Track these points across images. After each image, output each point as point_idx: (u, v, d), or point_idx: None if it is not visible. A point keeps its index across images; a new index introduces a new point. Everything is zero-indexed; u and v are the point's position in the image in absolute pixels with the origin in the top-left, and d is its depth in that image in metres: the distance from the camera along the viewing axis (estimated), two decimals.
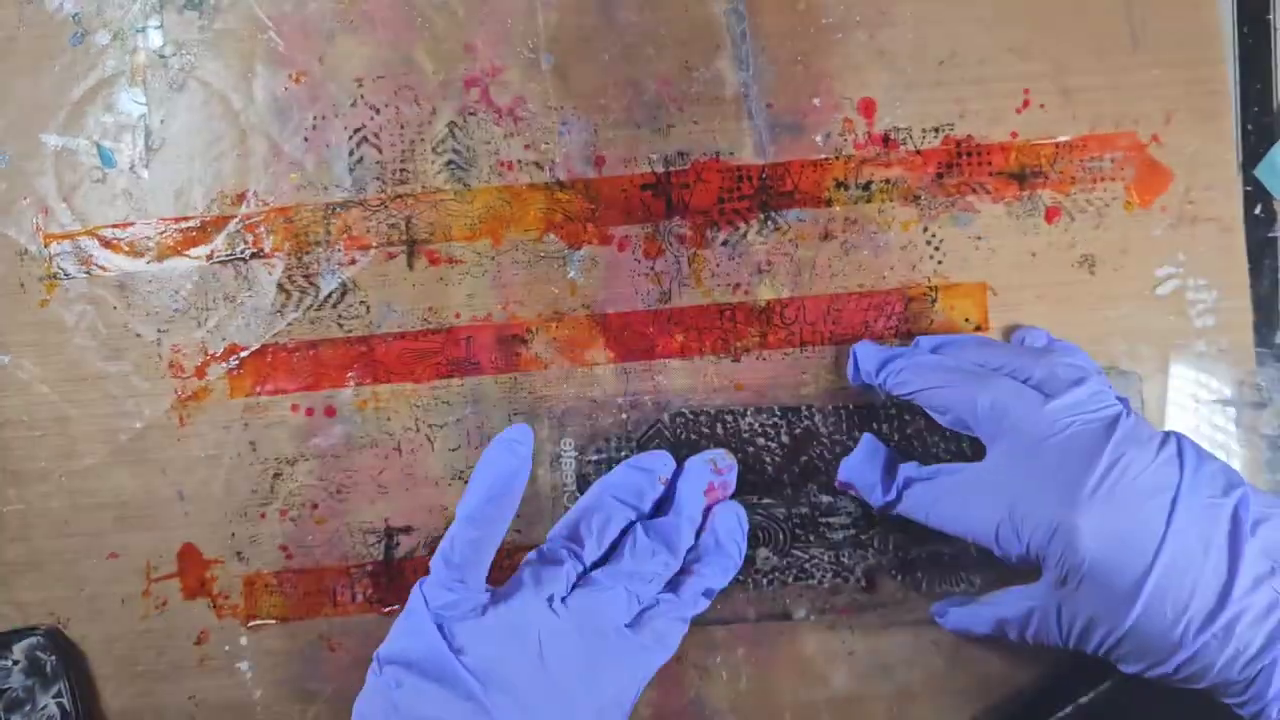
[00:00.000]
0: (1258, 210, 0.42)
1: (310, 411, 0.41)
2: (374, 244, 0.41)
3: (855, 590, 0.41)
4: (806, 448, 0.41)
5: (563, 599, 0.35)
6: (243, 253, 0.41)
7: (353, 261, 0.41)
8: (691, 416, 0.41)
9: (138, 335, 0.41)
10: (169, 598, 0.41)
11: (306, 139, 0.41)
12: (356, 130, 0.41)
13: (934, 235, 0.41)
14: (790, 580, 0.41)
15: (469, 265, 0.41)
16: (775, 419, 0.41)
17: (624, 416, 0.41)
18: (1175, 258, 0.42)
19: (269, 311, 0.41)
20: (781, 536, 0.41)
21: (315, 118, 0.41)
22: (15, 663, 0.40)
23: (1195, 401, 0.41)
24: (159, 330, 0.41)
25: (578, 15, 0.41)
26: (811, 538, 0.41)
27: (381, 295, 0.41)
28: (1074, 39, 0.42)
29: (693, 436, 0.41)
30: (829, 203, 0.41)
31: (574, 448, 0.41)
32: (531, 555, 0.37)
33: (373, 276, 0.41)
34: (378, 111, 0.41)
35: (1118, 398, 0.36)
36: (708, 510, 0.39)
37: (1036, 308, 0.41)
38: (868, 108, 0.42)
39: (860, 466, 0.39)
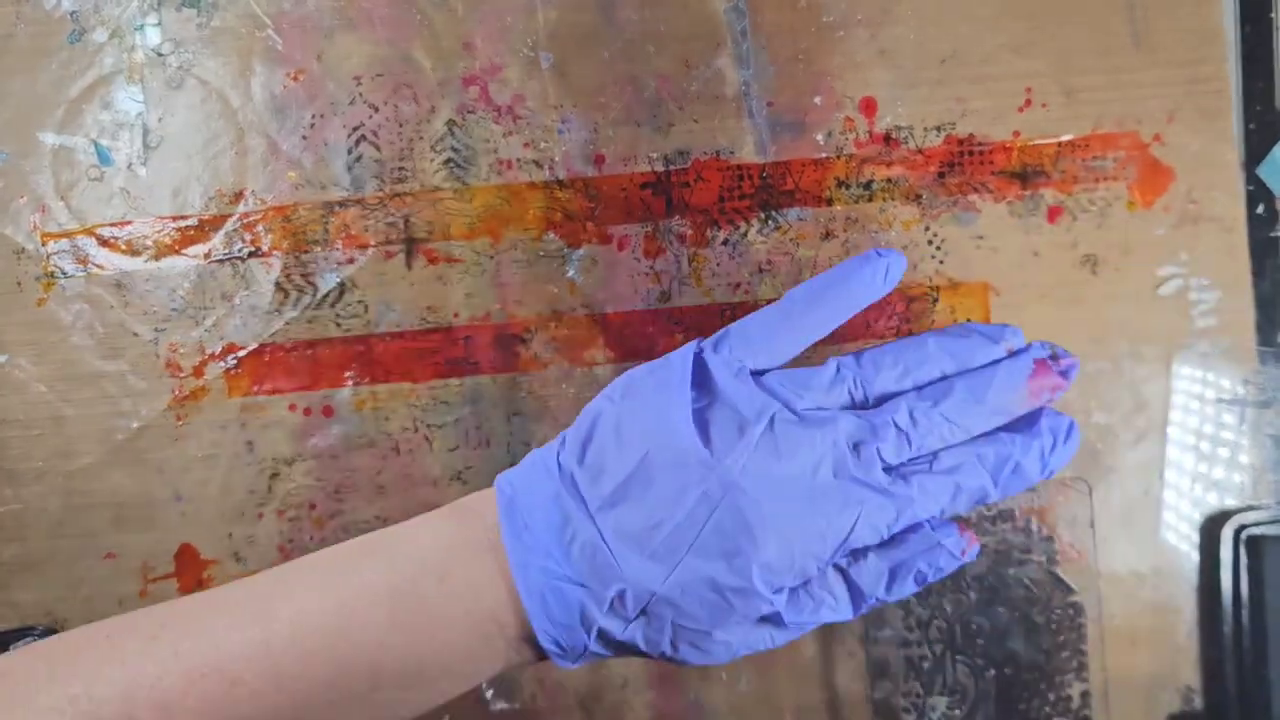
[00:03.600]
0: (1260, 210, 0.41)
1: (308, 411, 0.41)
2: (372, 243, 0.41)
3: None
4: None
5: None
6: (240, 251, 0.41)
7: (351, 260, 0.41)
8: None
9: (135, 334, 0.41)
10: (166, 599, 0.41)
11: (305, 137, 0.41)
12: (355, 128, 0.41)
13: (935, 235, 0.41)
14: None
15: (468, 264, 0.41)
16: None
17: None
18: (1178, 257, 0.41)
19: (267, 311, 0.41)
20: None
21: (314, 116, 0.41)
22: None
23: (1200, 402, 0.41)
24: (156, 329, 0.41)
25: (577, 13, 0.41)
26: None
27: (380, 294, 0.41)
28: (1076, 38, 0.41)
29: None
30: (830, 202, 0.41)
31: None
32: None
33: (371, 275, 0.41)
34: (376, 109, 0.41)
35: None
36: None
37: (1039, 308, 0.41)
38: (869, 106, 0.41)
39: None
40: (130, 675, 0.28)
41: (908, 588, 0.31)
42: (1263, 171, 0.41)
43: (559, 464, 0.31)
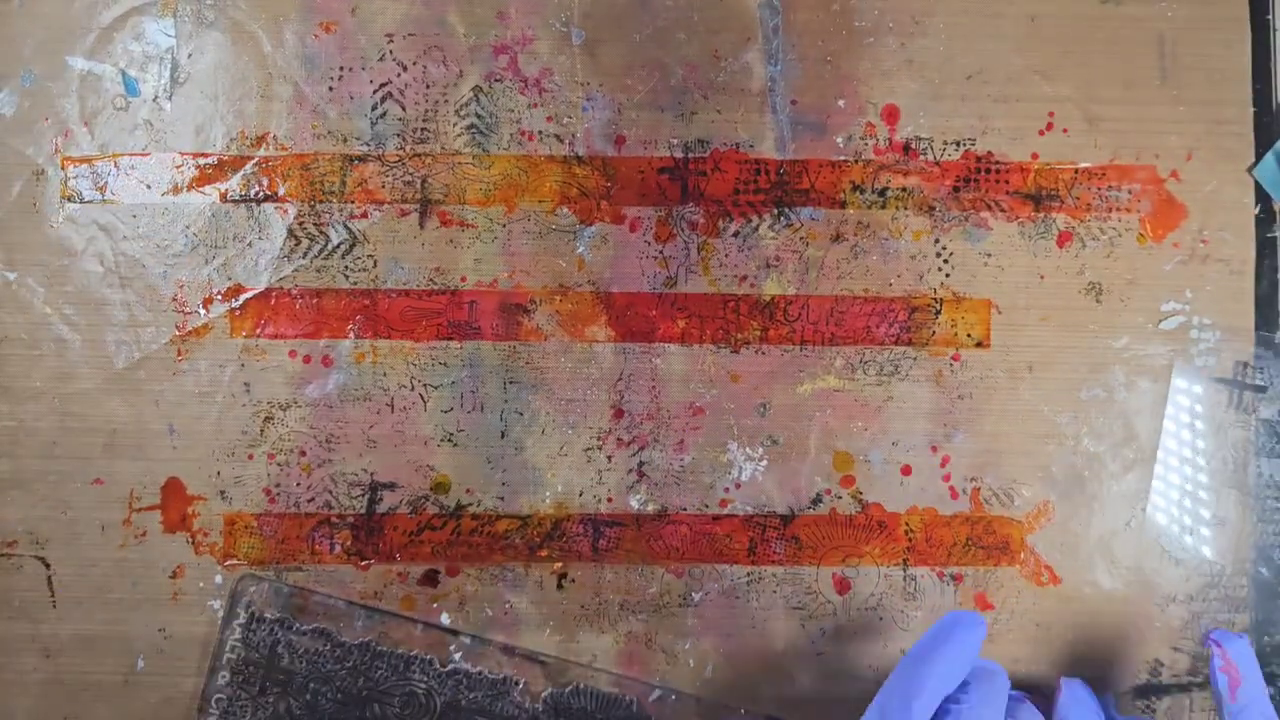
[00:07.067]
0: (1257, 210, 0.42)
1: (308, 359, 0.41)
2: (388, 199, 0.41)
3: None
4: None
5: None
6: (256, 194, 0.41)
7: (365, 215, 0.41)
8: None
9: (144, 266, 0.41)
10: (149, 529, 0.41)
11: (331, 88, 0.41)
12: (382, 85, 0.41)
13: (944, 248, 0.42)
14: None
15: (480, 230, 0.41)
16: None
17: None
18: (1182, 295, 0.42)
19: (276, 255, 0.41)
20: None
21: (342, 68, 0.41)
22: None
23: (1195, 385, 0.42)
24: (166, 264, 0.41)
25: None
26: None
27: (390, 251, 0.41)
28: (1104, 67, 0.42)
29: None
30: (843, 205, 0.42)
31: None
32: None
33: (383, 231, 0.41)
34: (405, 69, 0.41)
35: None
36: None
37: (1039, 330, 0.41)
38: (891, 114, 0.42)
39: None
40: None
41: None
42: (1258, 173, 0.42)
43: None
